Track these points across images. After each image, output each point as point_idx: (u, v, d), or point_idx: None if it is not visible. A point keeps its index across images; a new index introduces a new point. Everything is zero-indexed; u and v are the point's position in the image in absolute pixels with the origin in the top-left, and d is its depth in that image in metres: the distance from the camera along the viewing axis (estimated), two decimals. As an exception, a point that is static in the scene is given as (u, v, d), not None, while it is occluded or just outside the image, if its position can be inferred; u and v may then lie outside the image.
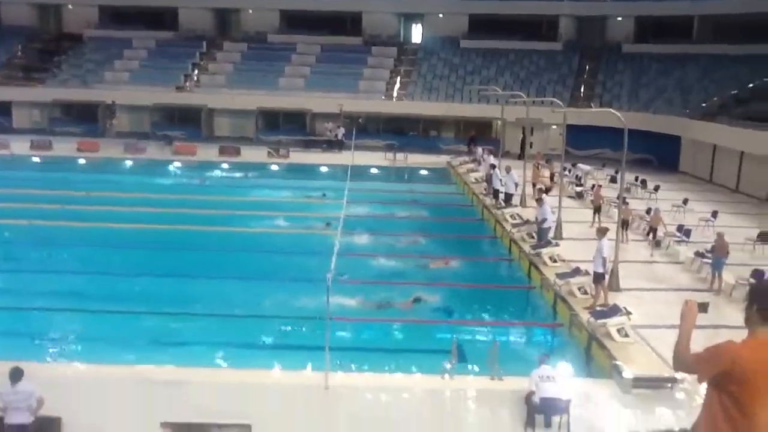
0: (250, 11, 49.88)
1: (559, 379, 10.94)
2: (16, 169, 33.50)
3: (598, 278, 15.43)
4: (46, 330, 14.43)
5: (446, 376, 12.21)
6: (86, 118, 44.19)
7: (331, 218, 22.49)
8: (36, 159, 36.59)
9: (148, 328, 14.79)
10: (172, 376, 11.91)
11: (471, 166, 33.88)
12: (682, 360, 3.77)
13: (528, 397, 10.86)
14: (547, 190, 25.94)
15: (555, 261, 18.36)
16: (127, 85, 44.62)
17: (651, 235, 21.13)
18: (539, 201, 20.59)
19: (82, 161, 36.57)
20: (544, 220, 19.97)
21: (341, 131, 40.93)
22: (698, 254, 18.56)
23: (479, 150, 35.98)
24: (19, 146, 37.48)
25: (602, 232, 16.00)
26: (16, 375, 9.27)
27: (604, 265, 15.34)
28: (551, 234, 20.43)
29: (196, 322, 15.30)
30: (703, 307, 4.03)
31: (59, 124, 44.17)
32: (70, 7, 50.88)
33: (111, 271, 18.37)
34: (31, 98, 45.01)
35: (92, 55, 47.92)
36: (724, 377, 3.54)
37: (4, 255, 19.80)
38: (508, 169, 25.78)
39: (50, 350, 13.56)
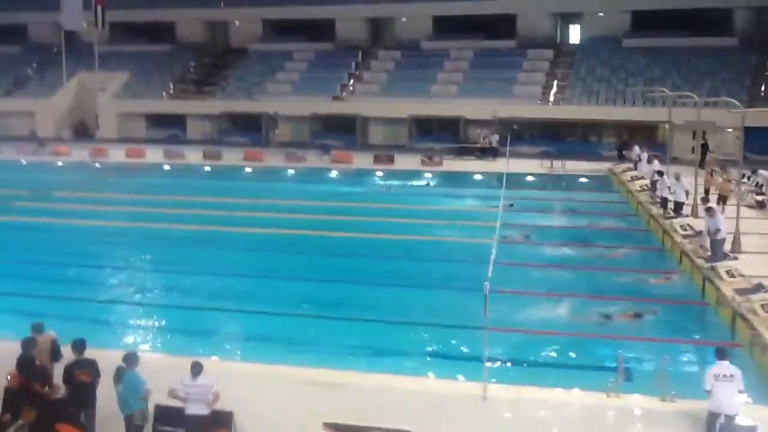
0: (404, 19, 50.62)
1: (738, 378, 10.00)
2: (191, 178, 36.13)
3: (785, 295, 14.01)
4: (218, 329, 15.34)
5: (611, 393, 11.57)
6: (251, 129, 46.73)
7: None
8: (207, 168, 39.24)
9: (311, 330, 15.32)
10: (334, 379, 12.23)
11: (634, 173, 32.11)
12: None
13: (708, 425, 10.01)
14: (724, 199, 23.89)
15: (733, 276, 16.85)
16: (288, 96, 46.73)
17: None
18: (709, 210, 19.04)
19: (248, 170, 38.74)
20: (717, 230, 18.39)
21: (495, 138, 40.36)
22: None
23: (636, 148, 34.07)
24: (193, 156, 40.39)
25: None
26: (196, 369, 9.88)
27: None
28: (728, 247, 18.83)
29: (357, 326, 15.63)
30: None
31: (227, 134, 47.10)
32: (237, 22, 54.28)
33: (278, 275, 19.16)
34: (202, 110, 48.34)
35: (256, 67, 50.73)
36: None
37: (179, 258, 21.28)
38: (677, 176, 24.13)
39: (222, 348, 14.35)
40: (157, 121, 49.10)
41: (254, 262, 20.54)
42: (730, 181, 25.42)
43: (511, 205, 27.06)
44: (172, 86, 50.77)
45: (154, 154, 40.73)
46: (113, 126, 49.07)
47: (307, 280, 18.69)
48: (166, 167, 39.31)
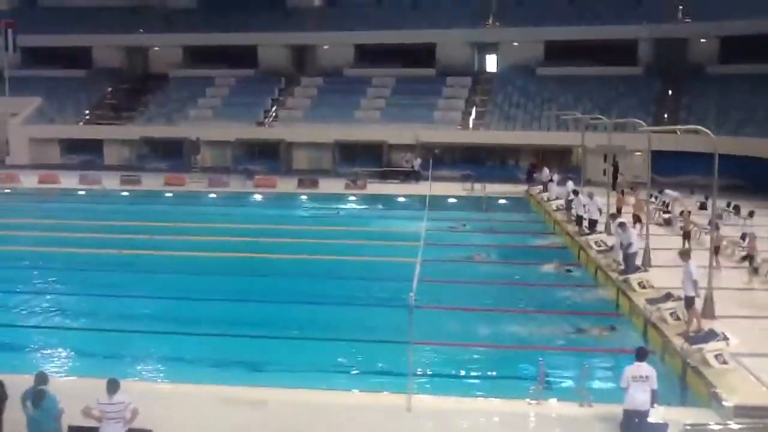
0: (326, 47, 51.11)
1: (652, 379, 10.46)
2: (108, 203, 35.06)
3: (689, 303, 14.76)
4: (137, 350, 14.86)
5: (531, 400, 11.85)
6: (172, 154, 45.88)
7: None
8: (125, 193, 38.16)
9: (234, 350, 15.06)
10: (257, 396, 12.02)
11: (546, 194, 33.27)
12: None
13: (622, 424, 10.40)
14: (638, 218, 24.97)
15: (644, 287, 17.67)
16: (210, 121, 46.30)
17: (748, 262, 20.06)
18: (622, 225, 19.95)
19: (168, 195, 37.92)
20: (630, 244, 19.27)
21: (417, 162, 41.08)
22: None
23: (545, 171, 35.35)
24: (110, 182, 39.24)
25: (686, 254, 15.53)
26: (113, 386, 9.52)
27: (695, 288, 14.66)
28: (639, 260, 19.70)
29: (281, 344, 15.47)
30: None
31: (147, 160, 46.11)
32: (156, 49, 53.45)
33: (199, 296, 18.82)
34: (121, 136, 47.31)
35: (177, 93, 50.05)
36: None
37: (96, 282, 20.55)
38: (590, 195, 25.19)
39: (140, 369, 13.91)
40: (73, 146, 47.69)
41: (175, 285, 20.02)
42: (641, 201, 26.63)
43: (464, 225, 28.71)
44: (88, 112, 49.38)
45: (69, 180, 39.40)
46: (25, 152, 47.25)
47: (230, 301, 18.40)
48: (82, 193, 38.04)
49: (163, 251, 23.96)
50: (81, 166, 44.05)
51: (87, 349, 15.14)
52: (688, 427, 3.48)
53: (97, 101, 50.64)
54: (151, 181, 39.48)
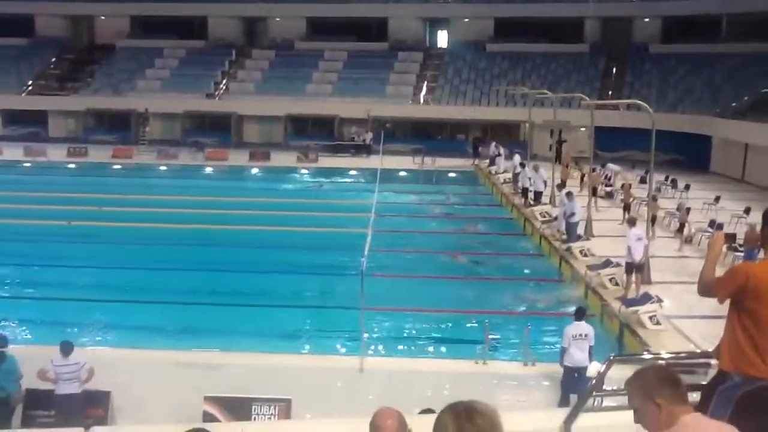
0: (278, 19, 50.67)
1: (591, 337, 11.19)
2: (54, 175, 34.42)
3: (628, 269, 15.60)
4: (92, 319, 14.89)
5: (479, 361, 12.45)
6: (119, 127, 45.13)
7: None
8: (72, 165, 37.46)
9: (189, 318, 15.22)
10: (213, 360, 12.34)
11: (493, 167, 34.00)
12: (706, 283, 3.92)
13: (563, 380, 11.08)
14: (594, 192, 25.65)
15: (586, 255, 18.49)
16: (159, 93, 45.52)
17: (681, 231, 21.11)
18: (569, 195, 20.75)
19: (117, 167, 37.38)
20: (573, 214, 20.09)
21: (369, 136, 41.35)
22: (731, 248, 18.45)
23: (492, 145, 36.06)
24: (56, 153, 38.43)
25: (631, 222, 16.35)
26: (66, 347, 9.70)
27: (631, 254, 15.50)
28: (581, 230, 20.53)
29: (238, 312, 15.68)
30: (730, 238, 4.22)
31: (93, 132, 45.18)
32: (102, 18, 52.11)
33: (152, 266, 18.81)
34: (66, 107, 46.14)
35: (124, 64, 48.98)
36: (741, 294, 3.68)
37: (46, 253, 20.35)
38: (536, 168, 25.93)
39: (96, 338, 14.01)
40: (15, 118, 46.26)
41: (127, 255, 19.94)
42: (597, 174, 27.47)
43: (448, 198, 29.33)
44: (31, 82, 47.98)
45: (12, 152, 38.37)
46: (-37, 123, 45.76)
47: (183, 270, 18.47)
48: (27, 165, 37.19)
49: (113, 222, 23.77)
50: (25, 138, 42.84)
51: (41, 319, 15.12)
52: (614, 356, 3.91)
53: (41, 71, 49.21)
54: (98, 153, 38.78)
